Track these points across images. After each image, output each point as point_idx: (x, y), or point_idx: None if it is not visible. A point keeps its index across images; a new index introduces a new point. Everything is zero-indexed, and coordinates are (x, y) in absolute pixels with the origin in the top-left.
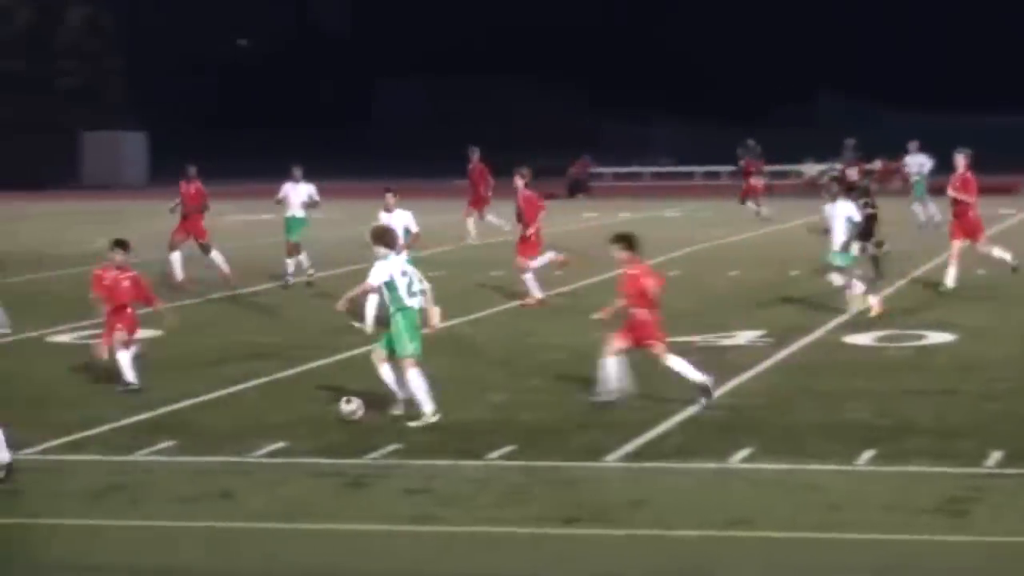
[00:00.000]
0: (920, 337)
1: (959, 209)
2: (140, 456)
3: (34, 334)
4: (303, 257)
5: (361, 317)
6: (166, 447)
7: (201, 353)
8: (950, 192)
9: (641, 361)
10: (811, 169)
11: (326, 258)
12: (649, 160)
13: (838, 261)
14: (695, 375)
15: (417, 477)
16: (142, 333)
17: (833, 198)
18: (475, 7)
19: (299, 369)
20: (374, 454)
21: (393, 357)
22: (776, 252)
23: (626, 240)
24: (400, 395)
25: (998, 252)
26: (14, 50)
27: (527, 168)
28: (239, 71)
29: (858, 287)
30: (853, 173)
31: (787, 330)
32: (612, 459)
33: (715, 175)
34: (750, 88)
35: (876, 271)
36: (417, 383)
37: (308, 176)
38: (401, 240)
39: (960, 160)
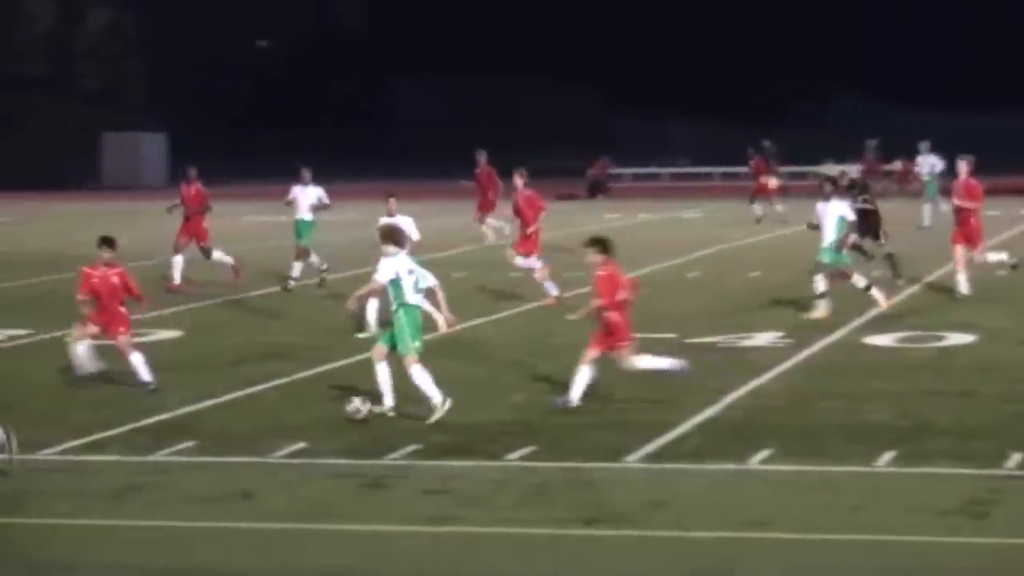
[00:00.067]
0: (940, 338)
1: (963, 216)
2: (160, 457)
3: (52, 335)
4: (314, 258)
5: (363, 325)
6: (185, 448)
7: (219, 354)
8: (955, 201)
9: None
10: (831, 170)
11: (339, 259)
12: (668, 161)
13: (826, 259)
14: (669, 363)
15: (436, 478)
16: (160, 335)
17: (826, 198)
18: (493, 7)
19: (317, 370)
20: (393, 455)
21: (394, 353)
22: (795, 253)
23: (600, 244)
24: (389, 399)
25: (993, 256)
26: (36, 52)
27: (524, 169)
28: (259, 72)
29: (860, 281)
30: (854, 171)
31: (807, 331)
32: (631, 460)
33: (733, 176)
34: (767, 89)
35: (894, 270)
36: (421, 377)
37: (325, 176)
38: None
39: (962, 166)
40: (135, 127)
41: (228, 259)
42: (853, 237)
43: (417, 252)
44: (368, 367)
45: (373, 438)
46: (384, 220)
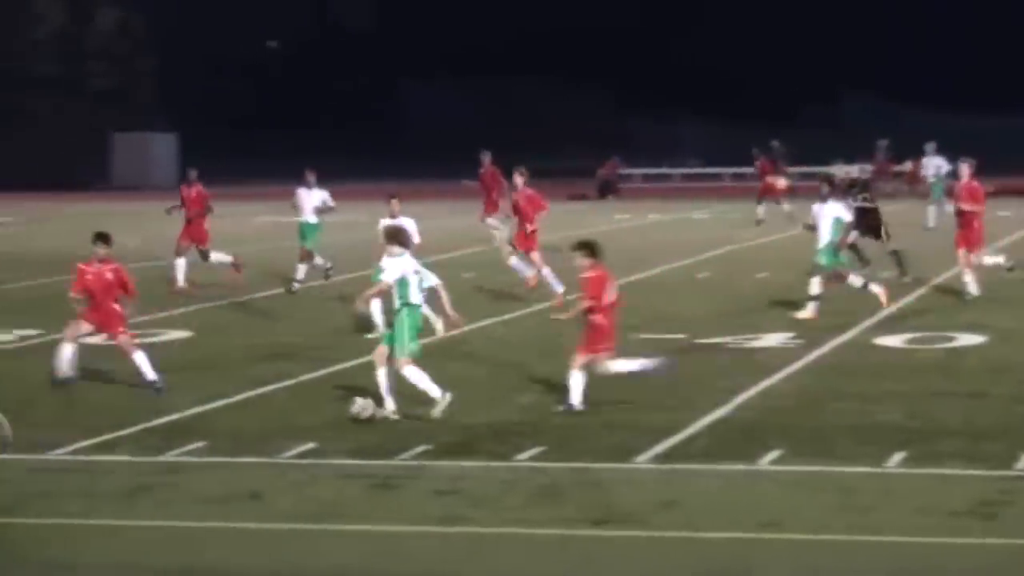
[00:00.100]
0: (950, 339)
1: (965, 219)
2: (170, 457)
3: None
4: (319, 259)
5: (372, 326)
6: (195, 448)
7: (228, 355)
8: (959, 204)
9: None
10: (841, 170)
11: (348, 260)
12: (678, 162)
13: (823, 261)
14: (641, 364)
15: (446, 478)
16: (169, 335)
17: (823, 199)
18: (504, 8)
19: (326, 371)
20: (403, 455)
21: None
22: (805, 254)
23: (588, 247)
24: (391, 403)
25: (989, 260)
26: (46, 52)
27: (524, 168)
28: (269, 73)
29: (857, 281)
30: (854, 171)
31: (817, 332)
32: (641, 460)
33: (744, 176)
34: (778, 89)
35: (900, 267)
36: (416, 376)
37: (337, 177)
38: None
39: (964, 169)
40: (144, 127)
41: (227, 258)
42: (853, 235)
43: (419, 254)
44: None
45: (383, 438)
46: (387, 221)
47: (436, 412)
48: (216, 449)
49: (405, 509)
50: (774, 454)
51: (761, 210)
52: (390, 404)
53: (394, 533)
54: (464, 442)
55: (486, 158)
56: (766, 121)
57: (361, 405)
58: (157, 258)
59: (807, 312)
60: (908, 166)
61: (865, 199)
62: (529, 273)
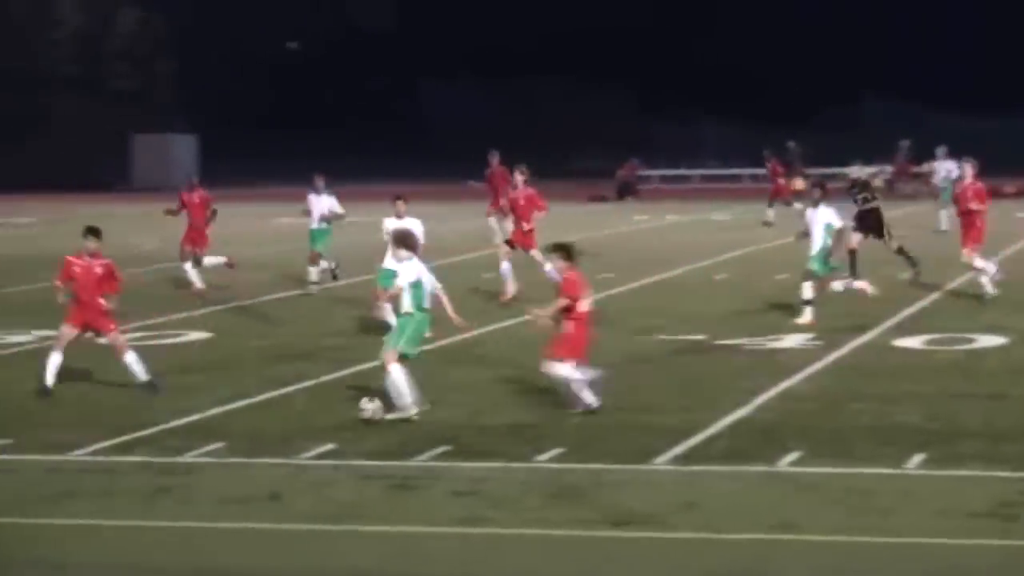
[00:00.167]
0: (970, 341)
1: (968, 219)
2: (189, 458)
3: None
4: (323, 262)
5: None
6: (215, 449)
7: (247, 356)
8: (968, 204)
9: (690, 365)
10: (859, 172)
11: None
12: (697, 163)
13: (816, 267)
14: (583, 375)
15: (465, 479)
16: (189, 336)
17: (815, 204)
18: (525, 8)
19: (345, 371)
20: (422, 456)
21: (406, 359)
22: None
23: (564, 249)
24: (415, 401)
25: (980, 263)
26: (66, 52)
27: (525, 167)
28: (289, 73)
29: (839, 286)
30: (855, 171)
31: (836, 333)
32: (661, 462)
33: (763, 178)
34: (796, 91)
35: (910, 262)
36: (397, 377)
37: (355, 178)
38: None
39: (968, 169)
40: (164, 128)
41: (220, 260)
42: (857, 239)
43: (431, 255)
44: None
45: (402, 439)
46: (392, 223)
47: (394, 415)
48: (235, 450)
49: (424, 510)
50: (793, 455)
51: (771, 212)
52: (409, 403)
53: (413, 534)
54: (483, 443)
55: (494, 159)
56: (785, 122)
57: (372, 409)
58: (176, 260)
59: (805, 317)
60: (926, 168)
61: (866, 199)
62: (510, 289)
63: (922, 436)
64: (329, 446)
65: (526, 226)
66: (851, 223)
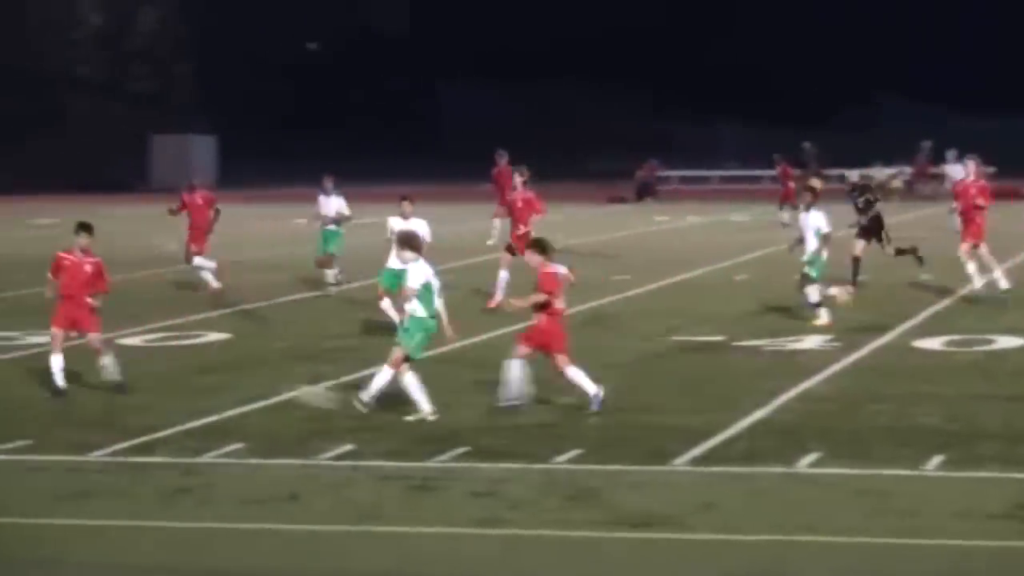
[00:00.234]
0: (989, 342)
1: (969, 216)
2: (208, 459)
3: (104, 336)
4: (330, 270)
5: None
6: (234, 450)
7: (266, 357)
8: (976, 201)
9: (709, 366)
10: (879, 173)
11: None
12: (716, 164)
13: (813, 272)
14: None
15: (484, 480)
16: (209, 337)
17: (806, 208)
18: (541, 10)
19: (364, 372)
20: (441, 457)
21: (411, 361)
22: (842, 256)
23: (539, 245)
24: (426, 405)
25: (972, 269)
26: (85, 53)
27: (526, 168)
28: (307, 74)
29: (813, 296)
30: (854, 176)
31: (856, 334)
32: (679, 463)
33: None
34: (815, 91)
35: (916, 260)
36: (383, 377)
37: (372, 179)
38: None
39: (971, 166)
40: (184, 129)
41: (211, 264)
42: (860, 245)
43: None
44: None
45: (420, 440)
46: (398, 223)
47: (358, 403)
48: (254, 451)
49: (443, 511)
50: (812, 456)
51: (785, 215)
52: (425, 406)
53: (432, 535)
54: (502, 444)
55: (502, 158)
56: (803, 123)
57: (313, 394)
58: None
59: (822, 319)
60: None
61: (867, 201)
62: (498, 296)
63: (941, 437)
64: (347, 447)
65: (521, 229)
66: (854, 229)
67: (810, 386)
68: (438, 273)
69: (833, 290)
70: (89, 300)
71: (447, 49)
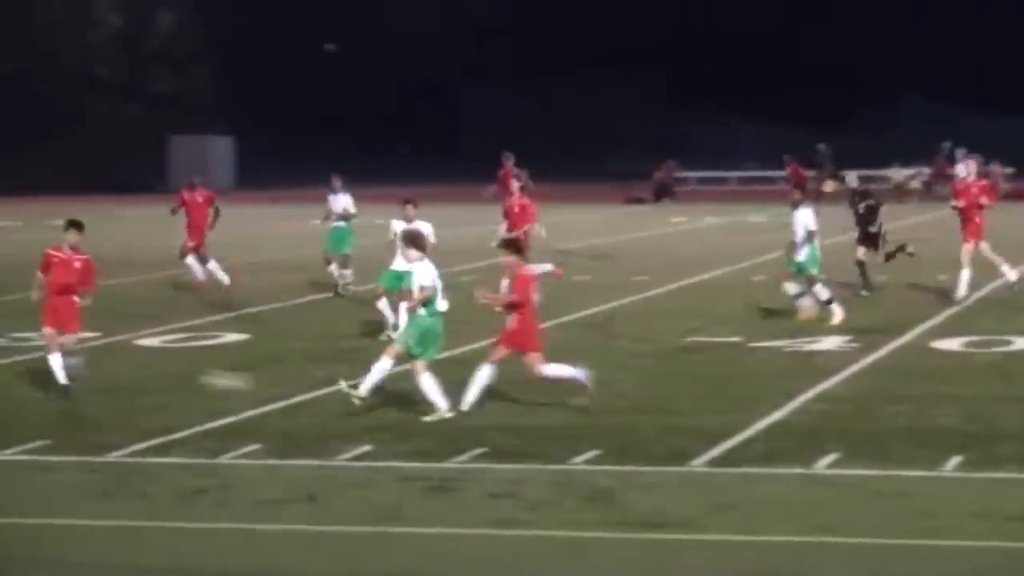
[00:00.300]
0: (1008, 343)
1: (970, 215)
2: (226, 459)
3: (121, 337)
4: (333, 267)
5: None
6: (251, 451)
7: (284, 357)
8: (981, 200)
9: (726, 367)
10: (898, 174)
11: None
12: (734, 164)
13: (813, 269)
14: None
15: (502, 481)
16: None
17: (794, 206)
18: (561, 8)
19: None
20: (459, 458)
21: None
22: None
23: (513, 245)
24: (443, 402)
25: (966, 275)
26: (104, 54)
27: (525, 171)
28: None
29: (792, 289)
30: (853, 180)
31: (874, 334)
32: (697, 464)
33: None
34: (834, 92)
35: (902, 250)
36: (381, 368)
37: (392, 180)
38: None
39: (972, 166)
40: (202, 130)
41: (199, 270)
42: (861, 251)
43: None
44: (435, 370)
45: (439, 441)
46: (400, 226)
47: (349, 390)
48: (272, 452)
49: (461, 512)
50: (831, 457)
51: None
52: (442, 402)
53: (449, 536)
54: (520, 445)
55: (508, 160)
56: (823, 124)
57: (221, 382)
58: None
59: (836, 317)
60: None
61: (869, 207)
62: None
63: (959, 438)
64: (365, 448)
65: (512, 234)
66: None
67: (828, 387)
68: (443, 275)
69: (806, 302)
70: (77, 299)
71: (466, 48)
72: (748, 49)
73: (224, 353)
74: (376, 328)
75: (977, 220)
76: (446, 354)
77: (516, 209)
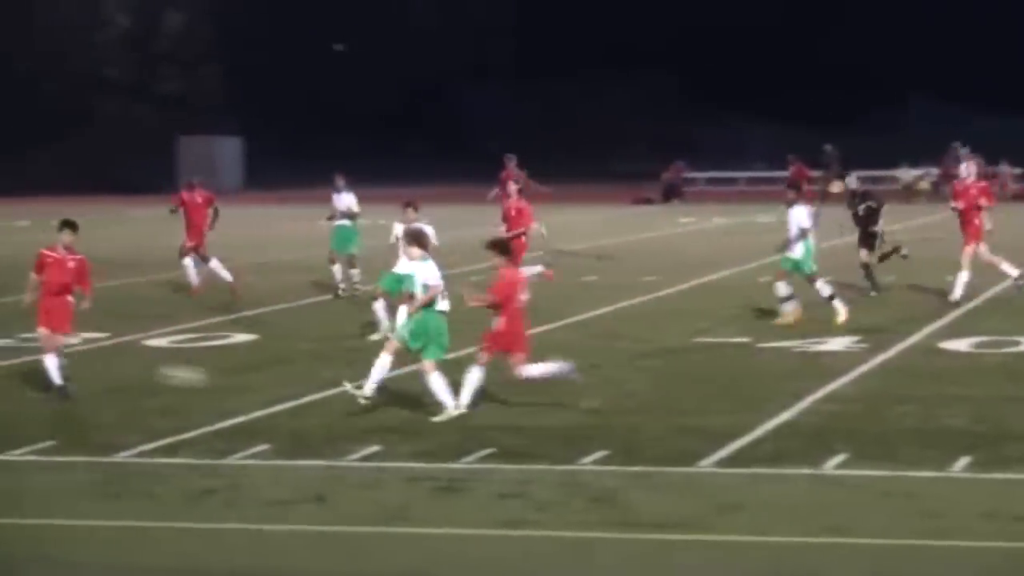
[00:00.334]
0: (1016, 343)
1: (969, 216)
2: (234, 460)
3: (130, 338)
4: (336, 268)
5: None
6: (260, 451)
7: (292, 358)
8: (980, 201)
9: (735, 367)
10: (906, 174)
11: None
12: (743, 165)
13: (811, 268)
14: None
15: (511, 482)
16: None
17: (788, 205)
18: (567, 8)
19: (391, 373)
20: (468, 458)
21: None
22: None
23: (500, 246)
24: (450, 400)
25: (964, 277)
26: (112, 55)
27: (524, 173)
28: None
29: (783, 290)
30: (853, 181)
31: (882, 335)
32: (706, 465)
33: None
34: (843, 92)
35: (893, 250)
36: (381, 365)
37: (401, 181)
38: None
39: (972, 167)
40: (210, 131)
41: (194, 275)
42: (863, 254)
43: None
44: (444, 370)
45: (447, 441)
46: (402, 228)
47: (353, 390)
48: (280, 452)
49: (469, 512)
50: (839, 458)
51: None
52: (450, 402)
53: (458, 536)
54: (529, 446)
55: (510, 162)
56: (832, 124)
57: (181, 378)
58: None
59: (840, 316)
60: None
61: (870, 208)
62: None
63: (968, 439)
64: (374, 448)
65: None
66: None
67: (836, 387)
68: (444, 276)
69: (788, 307)
70: (71, 299)
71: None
72: (757, 49)
73: (232, 353)
74: (373, 330)
75: (976, 222)
76: (451, 355)
77: (513, 212)
